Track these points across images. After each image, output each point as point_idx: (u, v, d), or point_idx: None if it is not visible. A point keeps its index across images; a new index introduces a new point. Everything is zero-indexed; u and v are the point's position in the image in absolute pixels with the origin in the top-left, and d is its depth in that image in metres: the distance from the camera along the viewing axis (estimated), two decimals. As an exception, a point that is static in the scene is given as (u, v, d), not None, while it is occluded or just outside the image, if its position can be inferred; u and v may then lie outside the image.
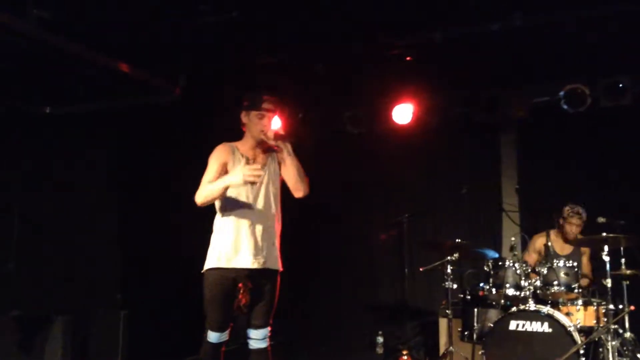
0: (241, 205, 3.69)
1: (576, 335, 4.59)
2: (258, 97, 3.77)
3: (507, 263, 5.18)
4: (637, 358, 4.75)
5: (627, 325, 4.81)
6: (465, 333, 5.37)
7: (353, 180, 7.54)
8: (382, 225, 7.56)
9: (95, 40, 5.34)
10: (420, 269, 6.10)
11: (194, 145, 7.06)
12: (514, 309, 4.91)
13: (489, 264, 5.30)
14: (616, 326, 4.71)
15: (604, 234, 4.72)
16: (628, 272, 4.81)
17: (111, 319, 6.06)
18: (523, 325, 4.74)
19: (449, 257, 5.52)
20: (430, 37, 5.44)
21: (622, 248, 4.81)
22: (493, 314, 5.22)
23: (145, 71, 5.99)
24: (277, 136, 3.70)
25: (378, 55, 5.85)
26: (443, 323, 6.01)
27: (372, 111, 6.97)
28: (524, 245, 6.08)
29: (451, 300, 5.54)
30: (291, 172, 3.76)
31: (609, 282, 4.67)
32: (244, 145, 3.82)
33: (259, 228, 3.70)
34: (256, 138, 3.78)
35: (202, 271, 3.77)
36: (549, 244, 5.74)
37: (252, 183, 3.62)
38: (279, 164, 3.87)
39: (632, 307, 4.87)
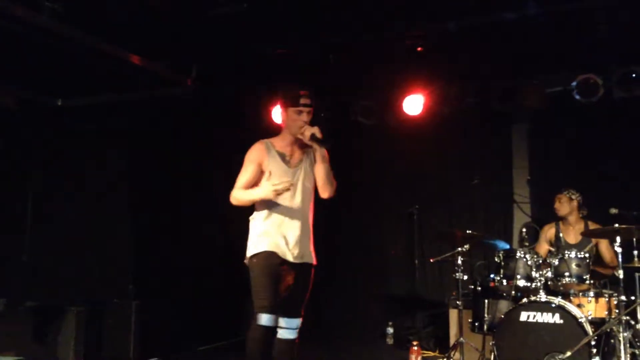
0: (281, 201, 3.71)
1: (587, 327, 4.58)
2: (295, 93, 3.77)
3: (518, 254, 5.17)
4: (649, 349, 4.74)
5: (638, 316, 4.79)
6: (476, 324, 5.38)
7: (364, 171, 7.54)
8: (393, 216, 7.57)
9: (107, 33, 5.36)
10: (431, 260, 6.11)
11: (206, 137, 7.11)
12: (524, 300, 4.90)
13: (500, 255, 5.29)
14: (628, 318, 4.68)
15: (617, 225, 4.69)
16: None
17: (123, 310, 6.11)
18: (534, 317, 4.73)
19: (459, 248, 5.52)
20: (443, 27, 5.42)
21: (634, 239, 4.77)
22: (504, 305, 5.21)
23: (156, 63, 6.00)
24: (313, 138, 3.69)
25: (390, 46, 5.84)
26: (453, 314, 6.02)
27: (383, 102, 6.96)
28: (535, 237, 6.06)
29: (462, 292, 5.55)
30: (320, 175, 3.81)
31: (620, 274, 4.65)
32: (281, 142, 3.83)
33: (297, 223, 3.75)
34: (294, 134, 3.78)
35: (245, 259, 3.76)
36: (560, 234, 5.73)
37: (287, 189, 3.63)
38: (312, 163, 3.88)
39: (644, 299, 4.86)
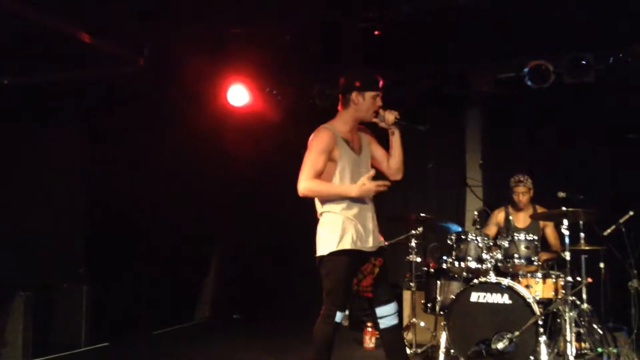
0: None
1: (535, 307, 4.70)
2: (374, 77, 3.74)
3: (470, 237, 5.25)
4: (593, 328, 4.89)
5: (584, 296, 4.94)
6: (428, 305, 5.46)
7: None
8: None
9: (57, 10, 5.18)
10: (385, 243, 6.14)
11: (158, 116, 6.98)
12: (475, 281, 4.99)
13: (452, 237, 5.38)
14: (574, 298, 4.82)
15: (564, 208, 4.81)
16: (587, 246, 4.92)
17: (74, 294, 6.00)
18: (484, 297, 4.83)
19: (413, 231, 5.59)
20: (398, 10, 5.42)
21: (581, 222, 4.91)
22: (455, 286, 5.30)
23: (108, 41, 5.84)
24: (397, 121, 3.76)
25: (346, 28, 5.82)
26: (407, 295, 6.11)
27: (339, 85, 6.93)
28: (487, 220, 6.19)
29: (415, 273, 5.62)
30: (398, 157, 3.88)
31: (567, 255, 4.77)
32: (343, 127, 3.75)
33: (369, 209, 3.74)
34: (366, 119, 3.77)
35: (324, 254, 3.61)
36: (510, 217, 5.86)
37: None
38: (369, 145, 3.89)
39: (590, 280, 5.01)
